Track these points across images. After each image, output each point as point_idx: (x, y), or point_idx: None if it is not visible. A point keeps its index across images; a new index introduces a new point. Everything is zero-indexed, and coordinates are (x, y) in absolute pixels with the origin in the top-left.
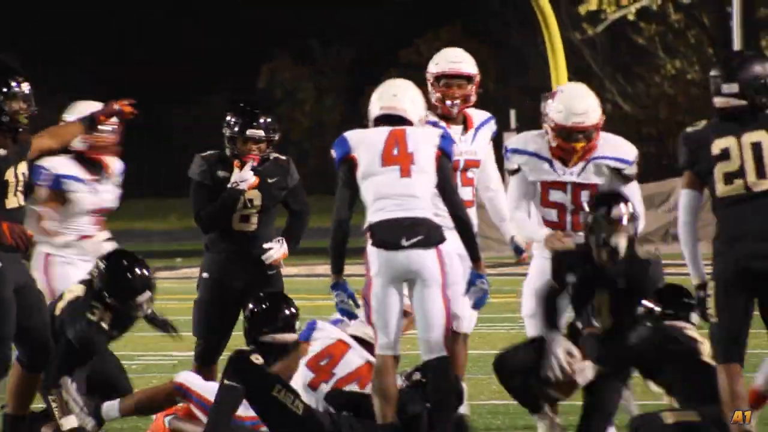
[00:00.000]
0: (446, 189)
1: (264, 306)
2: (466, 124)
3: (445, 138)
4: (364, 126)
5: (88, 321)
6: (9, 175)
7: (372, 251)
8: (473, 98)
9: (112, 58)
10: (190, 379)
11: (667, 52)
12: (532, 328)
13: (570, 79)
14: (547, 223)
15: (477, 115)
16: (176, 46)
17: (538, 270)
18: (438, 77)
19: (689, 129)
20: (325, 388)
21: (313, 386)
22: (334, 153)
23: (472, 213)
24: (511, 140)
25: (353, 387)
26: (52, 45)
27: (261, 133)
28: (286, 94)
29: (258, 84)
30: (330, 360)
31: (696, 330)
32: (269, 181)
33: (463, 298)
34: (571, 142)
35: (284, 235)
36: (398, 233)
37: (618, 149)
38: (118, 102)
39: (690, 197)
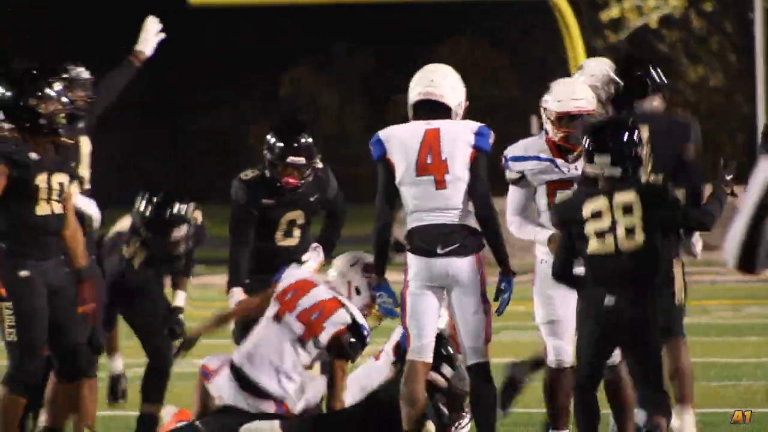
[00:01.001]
0: (476, 187)
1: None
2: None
3: (481, 135)
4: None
5: (121, 256)
6: (40, 180)
7: (410, 256)
8: None
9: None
10: (210, 361)
11: (690, 59)
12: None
13: None
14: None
15: None
16: (200, 51)
17: (544, 275)
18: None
19: None
20: (288, 318)
21: (277, 318)
22: (372, 150)
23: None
24: (509, 149)
25: (316, 317)
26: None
27: (302, 160)
28: (309, 101)
29: (280, 92)
30: (295, 293)
31: None
32: (311, 199)
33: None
34: (574, 129)
35: (320, 241)
36: (434, 240)
37: None
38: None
39: None
